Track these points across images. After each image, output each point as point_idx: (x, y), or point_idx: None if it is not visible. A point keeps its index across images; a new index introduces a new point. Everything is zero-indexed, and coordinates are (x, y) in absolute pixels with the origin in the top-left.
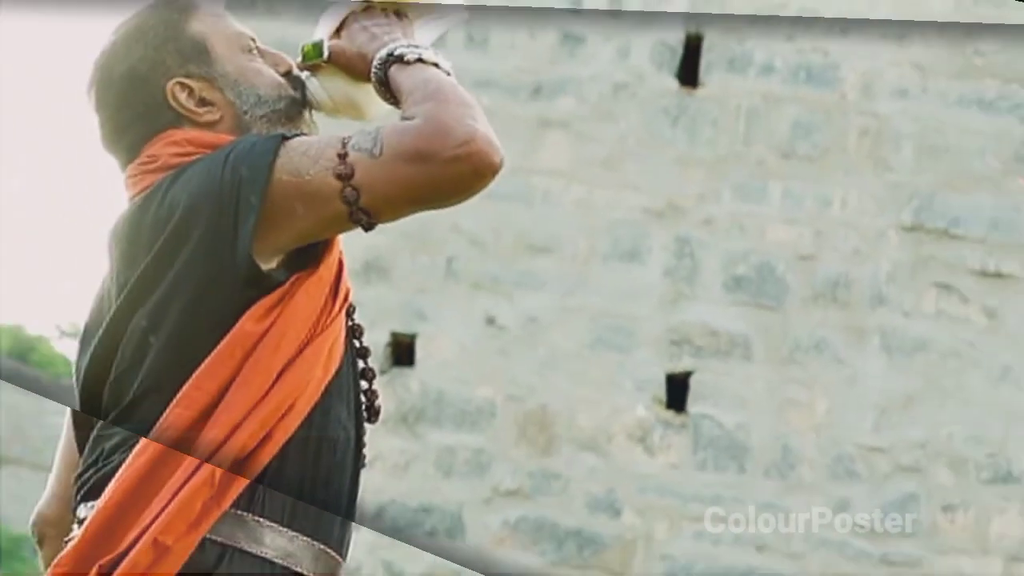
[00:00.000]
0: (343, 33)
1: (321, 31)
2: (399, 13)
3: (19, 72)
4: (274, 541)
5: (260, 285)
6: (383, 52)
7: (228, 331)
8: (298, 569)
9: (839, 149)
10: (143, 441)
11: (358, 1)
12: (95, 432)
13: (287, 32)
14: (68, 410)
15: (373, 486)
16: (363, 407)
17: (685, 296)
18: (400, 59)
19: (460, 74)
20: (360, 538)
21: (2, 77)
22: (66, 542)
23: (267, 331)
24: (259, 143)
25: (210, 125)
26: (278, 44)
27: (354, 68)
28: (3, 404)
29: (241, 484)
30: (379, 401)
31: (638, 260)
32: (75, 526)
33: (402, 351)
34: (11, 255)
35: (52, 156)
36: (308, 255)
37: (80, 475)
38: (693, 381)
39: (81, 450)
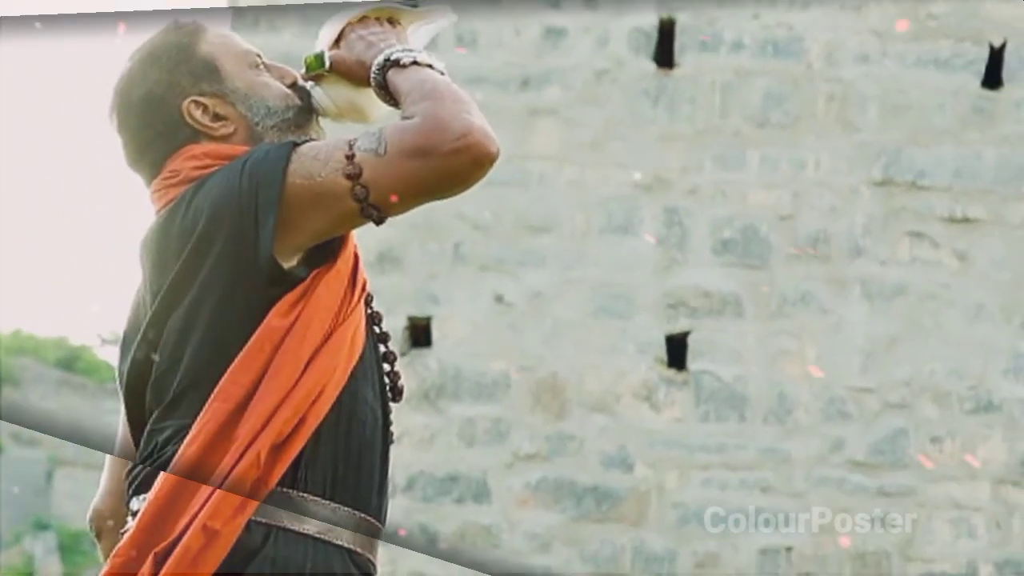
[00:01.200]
0: (342, 43)
1: (321, 43)
2: (392, 21)
3: (62, 95)
4: (318, 513)
5: (283, 282)
6: (380, 58)
7: (257, 327)
8: (338, 543)
9: (809, 115)
10: (190, 433)
11: (354, 13)
12: (148, 428)
13: (290, 47)
14: (121, 411)
15: (403, 460)
16: (387, 388)
17: (677, 262)
18: (396, 63)
19: (452, 72)
20: (395, 504)
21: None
22: (122, 534)
23: (293, 324)
24: (272, 151)
25: (225, 138)
26: (282, 58)
27: (354, 75)
28: (56, 410)
29: (282, 467)
30: (402, 381)
31: (631, 232)
32: (129, 518)
33: (419, 333)
34: (51, 271)
35: (85, 176)
36: (326, 251)
37: (131, 470)
38: (691, 340)
39: (137, 447)
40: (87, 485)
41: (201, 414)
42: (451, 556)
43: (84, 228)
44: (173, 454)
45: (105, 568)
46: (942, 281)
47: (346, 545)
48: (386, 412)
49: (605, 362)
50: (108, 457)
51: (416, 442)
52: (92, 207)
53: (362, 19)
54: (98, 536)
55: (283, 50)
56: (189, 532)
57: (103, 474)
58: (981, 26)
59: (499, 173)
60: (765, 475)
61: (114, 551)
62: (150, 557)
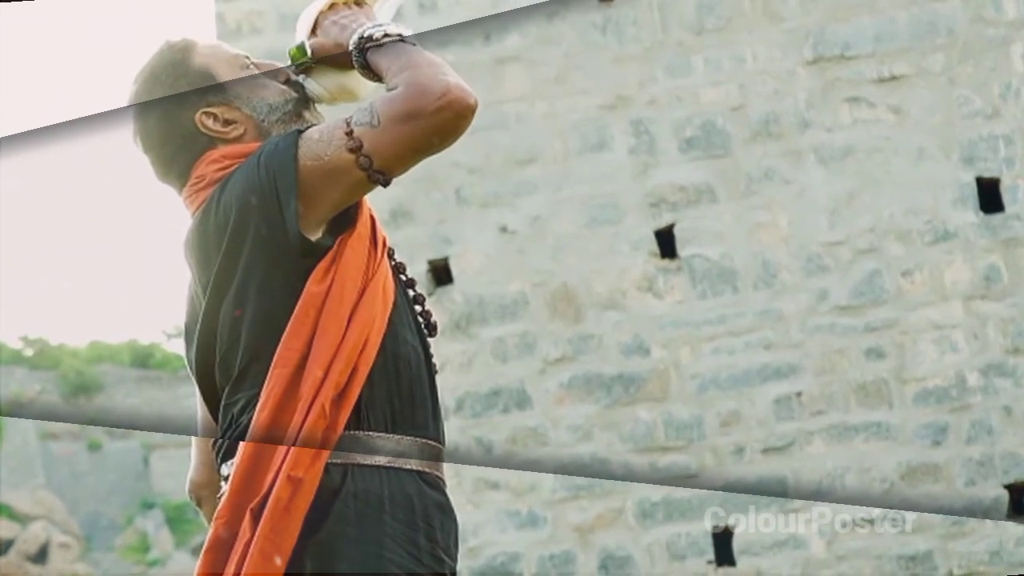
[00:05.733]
0: (318, 31)
1: (300, 34)
2: (359, 3)
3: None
4: (385, 446)
5: (313, 253)
6: (355, 37)
7: (299, 297)
8: (408, 467)
9: (739, 15)
10: (260, 400)
11: (324, 1)
12: (222, 403)
13: (273, 44)
14: (197, 393)
15: (449, 385)
16: (423, 326)
17: (651, 165)
18: (370, 39)
19: (421, 39)
20: (450, 424)
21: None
22: (219, 498)
23: (329, 288)
24: (280, 142)
25: (238, 139)
26: (267, 55)
27: (336, 58)
28: (144, 401)
29: (346, 413)
30: (434, 318)
31: (606, 148)
32: (223, 483)
33: (440, 273)
34: (119, 282)
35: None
36: (345, 219)
37: (216, 441)
38: (677, 231)
39: (216, 422)
40: (180, 462)
41: (266, 382)
42: (507, 460)
43: (133, 238)
44: (249, 421)
45: (210, 531)
46: (883, 135)
47: (415, 468)
48: (426, 347)
49: (606, 265)
50: None
51: (457, 367)
52: (133, 221)
53: (332, 6)
54: (199, 504)
55: (267, 47)
56: (277, 484)
57: (192, 449)
58: None
59: (481, 120)
60: (765, 334)
61: (216, 514)
62: (247, 513)
